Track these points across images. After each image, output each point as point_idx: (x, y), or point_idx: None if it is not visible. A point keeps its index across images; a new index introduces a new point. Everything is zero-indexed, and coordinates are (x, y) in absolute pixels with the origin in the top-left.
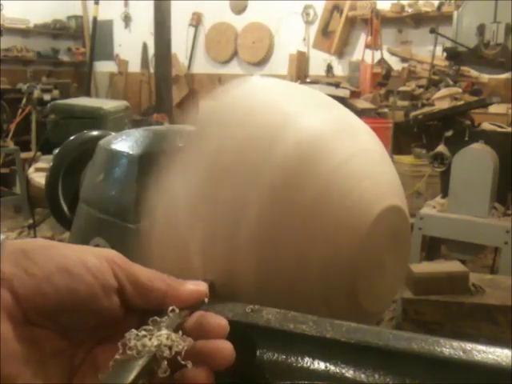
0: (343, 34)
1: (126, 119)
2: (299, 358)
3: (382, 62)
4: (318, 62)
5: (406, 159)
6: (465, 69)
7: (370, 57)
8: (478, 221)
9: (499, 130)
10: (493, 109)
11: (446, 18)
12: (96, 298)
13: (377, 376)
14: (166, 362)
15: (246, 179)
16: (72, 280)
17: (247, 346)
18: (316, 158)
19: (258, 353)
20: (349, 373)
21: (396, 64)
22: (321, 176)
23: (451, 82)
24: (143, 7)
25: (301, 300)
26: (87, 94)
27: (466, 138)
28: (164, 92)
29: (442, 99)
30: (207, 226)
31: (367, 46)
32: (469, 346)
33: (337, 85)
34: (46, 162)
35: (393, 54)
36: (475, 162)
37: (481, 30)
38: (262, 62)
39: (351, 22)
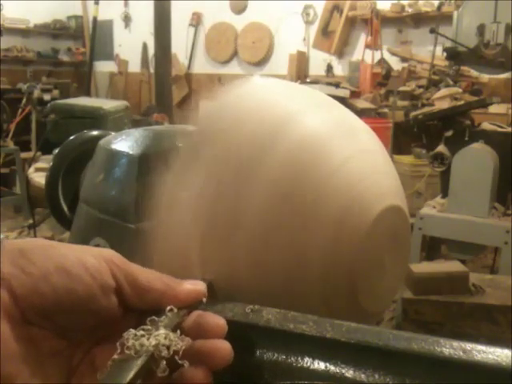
0: (343, 34)
1: (126, 119)
2: (299, 358)
3: (381, 61)
4: (318, 61)
5: (406, 159)
6: (465, 69)
7: (370, 57)
8: (478, 221)
9: (499, 129)
10: (493, 109)
11: (446, 18)
12: (94, 298)
13: (377, 376)
14: (164, 362)
15: (246, 178)
16: (70, 280)
17: (247, 345)
18: (316, 158)
19: (257, 353)
20: (349, 373)
21: (396, 64)
22: (321, 176)
23: (451, 82)
24: (143, 7)
25: (301, 300)
26: (87, 93)
27: (466, 138)
28: (164, 92)
29: (442, 99)
30: (207, 225)
31: (367, 46)
32: (469, 346)
33: (337, 85)
34: (45, 162)
35: (393, 53)
36: (475, 162)
37: (481, 30)
38: (262, 62)
39: (351, 22)
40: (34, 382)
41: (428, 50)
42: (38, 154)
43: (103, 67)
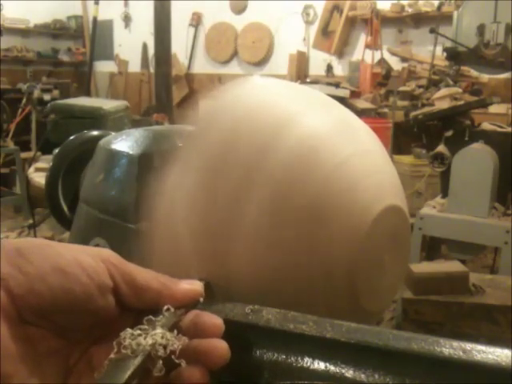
0: (343, 34)
1: (126, 119)
2: (299, 358)
3: (381, 61)
4: (318, 61)
5: (406, 159)
6: (465, 69)
7: (370, 57)
8: (478, 221)
9: (499, 129)
10: (493, 109)
11: (446, 18)
12: (91, 298)
13: (377, 376)
14: (161, 361)
15: (245, 178)
16: (67, 280)
17: (247, 345)
18: (316, 157)
19: (257, 353)
20: (349, 373)
21: (396, 64)
22: (320, 175)
23: (451, 82)
24: (143, 7)
25: (300, 300)
26: (87, 93)
27: (466, 138)
28: (164, 92)
29: (442, 99)
30: (205, 225)
31: (367, 46)
32: (469, 346)
33: (337, 85)
34: (45, 161)
35: (393, 53)
36: (475, 162)
37: (481, 30)
38: (261, 62)
39: (351, 22)
40: (32, 381)
41: (428, 50)
42: (38, 154)
43: (103, 67)
